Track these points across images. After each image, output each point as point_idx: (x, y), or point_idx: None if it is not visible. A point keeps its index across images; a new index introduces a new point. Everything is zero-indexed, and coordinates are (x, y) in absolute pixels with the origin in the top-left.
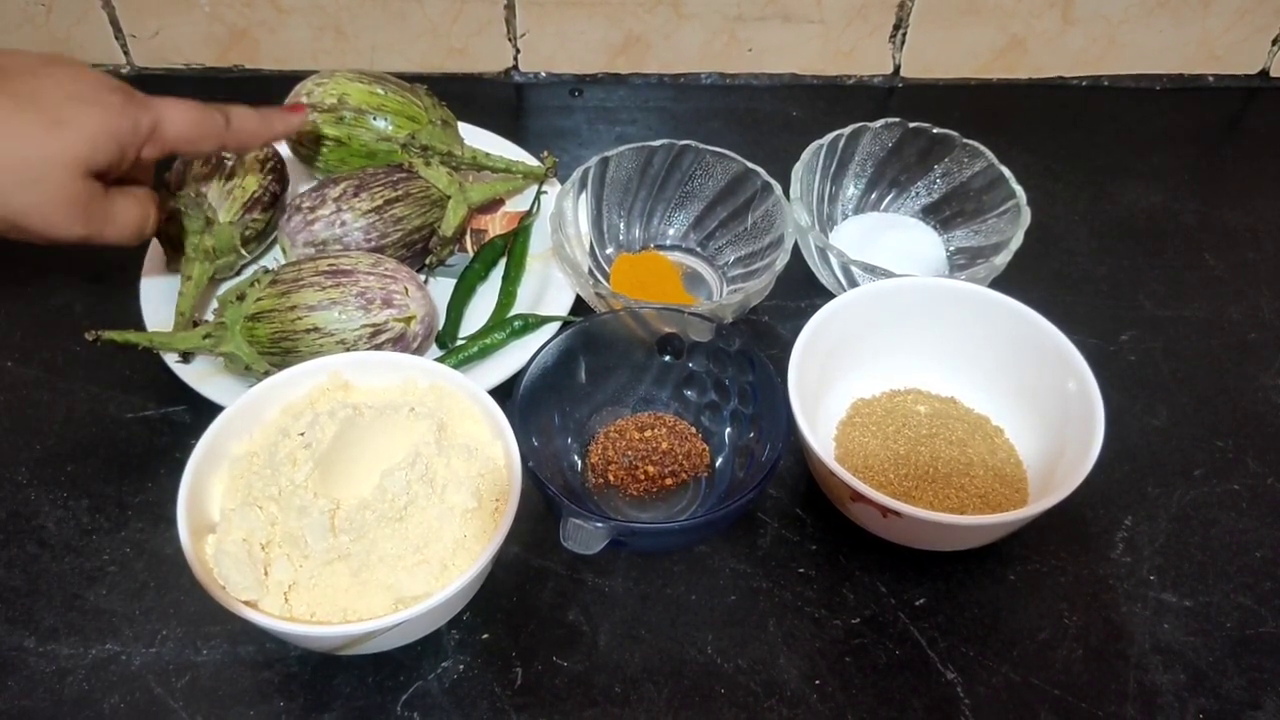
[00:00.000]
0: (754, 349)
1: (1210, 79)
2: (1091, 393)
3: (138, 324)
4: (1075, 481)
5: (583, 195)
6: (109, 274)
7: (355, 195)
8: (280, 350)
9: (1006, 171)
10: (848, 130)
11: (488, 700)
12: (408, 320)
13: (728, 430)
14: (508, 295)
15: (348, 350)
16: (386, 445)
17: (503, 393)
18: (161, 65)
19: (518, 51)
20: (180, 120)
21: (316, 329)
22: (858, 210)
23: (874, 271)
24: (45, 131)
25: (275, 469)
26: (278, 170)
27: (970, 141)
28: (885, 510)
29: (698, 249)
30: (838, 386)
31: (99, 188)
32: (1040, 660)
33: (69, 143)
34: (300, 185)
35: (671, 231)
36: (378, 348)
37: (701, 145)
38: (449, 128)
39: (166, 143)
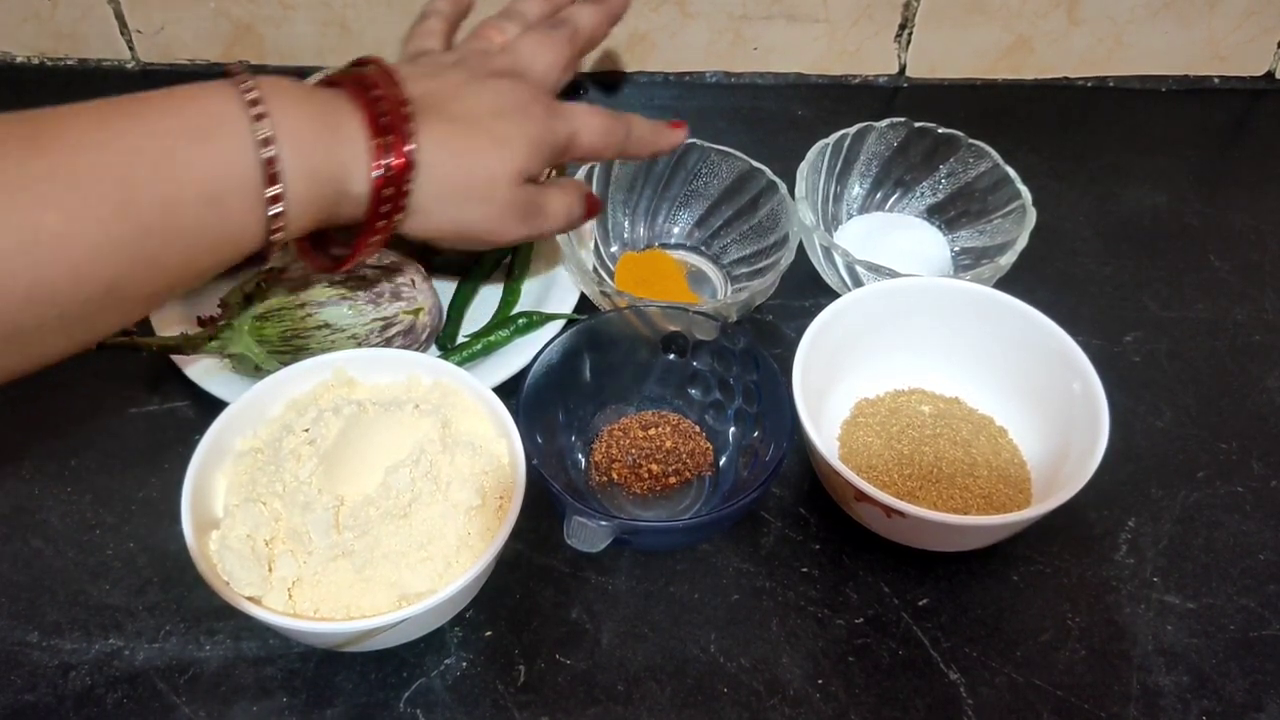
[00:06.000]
0: (758, 348)
1: (1216, 80)
2: (1096, 394)
3: (143, 324)
4: (1079, 483)
5: None
6: None
7: None
8: (291, 349)
9: (1012, 172)
10: (853, 130)
11: (490, 698)
12: (416, 313)
13: (732, 429)
14: (512, 293)
15: (359, 345)
16: (391, 442)
17: (507, 390)
18: (166, 61)
19: None
20: (593, 130)
21: (327, 325)
22: (863, 210)
23: (879, 271)
24: (490, 153)
25: (279, 465)
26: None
27: (975, 142)
28: (889, 510)
29: (702, 248)
30: (842, 386)
31: (533, 189)
32: (1043, 661)
33: (510, 159)
34: None
35: (676, 230)
36: (388, 341)
37: (706, 144)
38: None
39: (579, 151)
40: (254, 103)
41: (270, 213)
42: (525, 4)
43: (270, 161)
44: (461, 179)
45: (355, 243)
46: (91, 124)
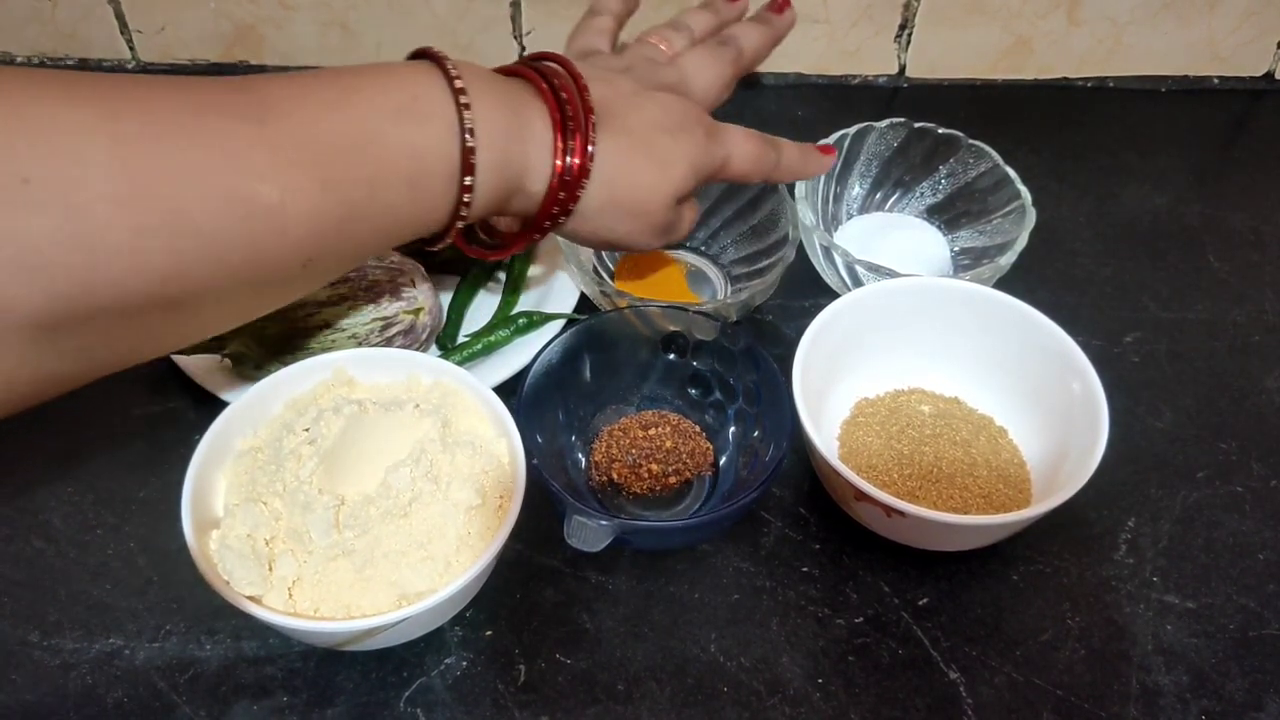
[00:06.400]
0: (758, 348)
1: (1216, 80)
2: (1095, 394)
3: None
4: (1079, 483)
5: None
6: None
7: None
8: (291, 348)
9: (1011, 172)
10: (853, 130)
11: (490, 697)
12: (416, 312)
13: (732, 429)
14: (512, 293)
15: (359, 345)
16: (391, 441)
17: (507, 390)
18: (167, 61)
19: (523, 49)
20: (746, 156)
21: (328, 325)
22: (863, 210)
23: (879, 271)
24: (654, 172)
25: (280, 464)
26: None
27: (975, 142)
28: (889, 510)
29: (702, 248)
30: (842, 386)
31: (677, 208)
32: (1043, 661)
33: (669, 181)
34: None
35: None
36: (388, 341)
37: None
38: None
39: (729, 175)
40: (460, 91)
41: (462, 199)
42: (693, 17)
43: (470, 150)
44: (625, 192)
45: (519, 236)
46: (306, 98)
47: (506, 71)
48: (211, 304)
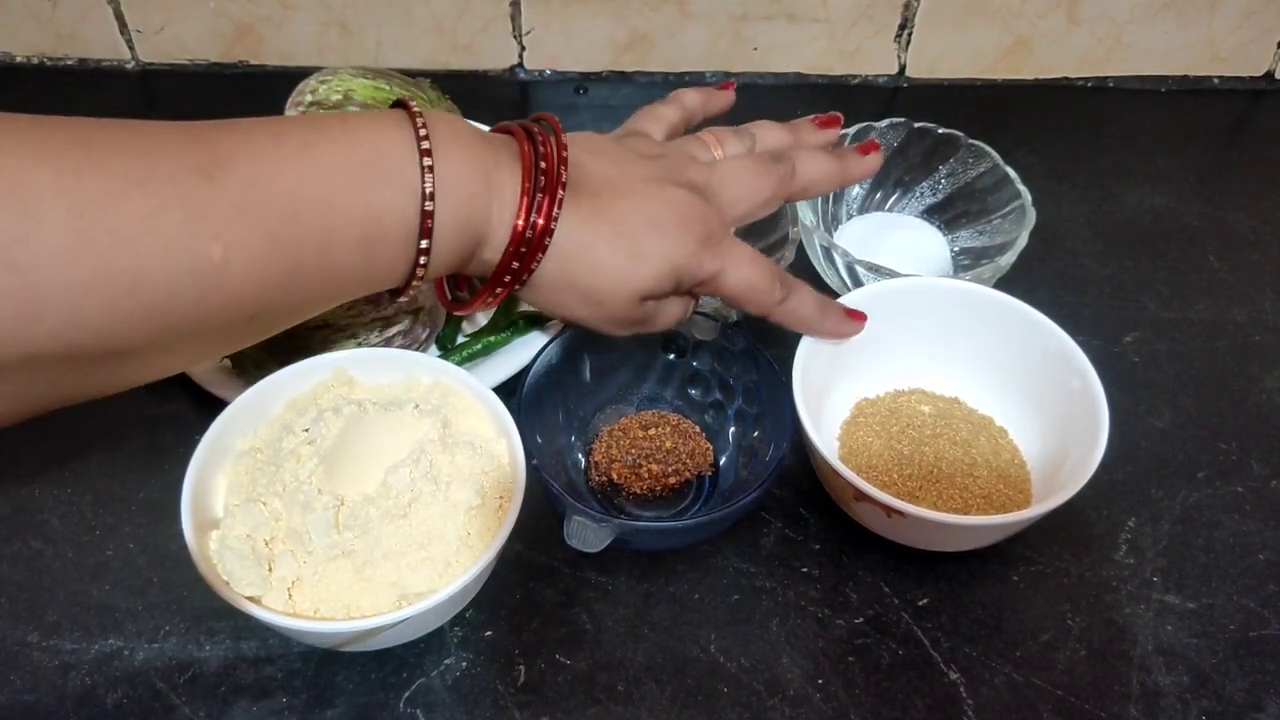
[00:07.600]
0: (758, 348)
1: (1215, 81)
2: (1095, 394)
3: None
4: (1079, 483)
5: None
6: None
7: None
8: (291, 349)
9: (1012, 172)
10: (853, 130)
11: (490, 697)
12: (416, 313)
13: (732, 429)
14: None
15: (359, 345)
16: (390, 442)
17: (507, 390)
18: (166, 61)
19: (523, 49)
20: (742, 280)
21: (327, 325)
22: (863, 210)
23: (878, 271)
24: (620, 262)
25: (279, 465)
26: None
27: (975, 142)
28: (889, 510)
29: None
30: (842, 386)
31: (649, 305)
32: (1043, 661)
33: (636, 277)
34: None
35: None
36: (388, 341)
37: None
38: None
39: (718, 293)
40: (426, 153)
41: (419, 261)
42: (764, 128)
43: (428, 214)
44: (582, 275)
45: (474, 299)
46: (264, 153)
47: (503, 129)
48: (153, 353)
